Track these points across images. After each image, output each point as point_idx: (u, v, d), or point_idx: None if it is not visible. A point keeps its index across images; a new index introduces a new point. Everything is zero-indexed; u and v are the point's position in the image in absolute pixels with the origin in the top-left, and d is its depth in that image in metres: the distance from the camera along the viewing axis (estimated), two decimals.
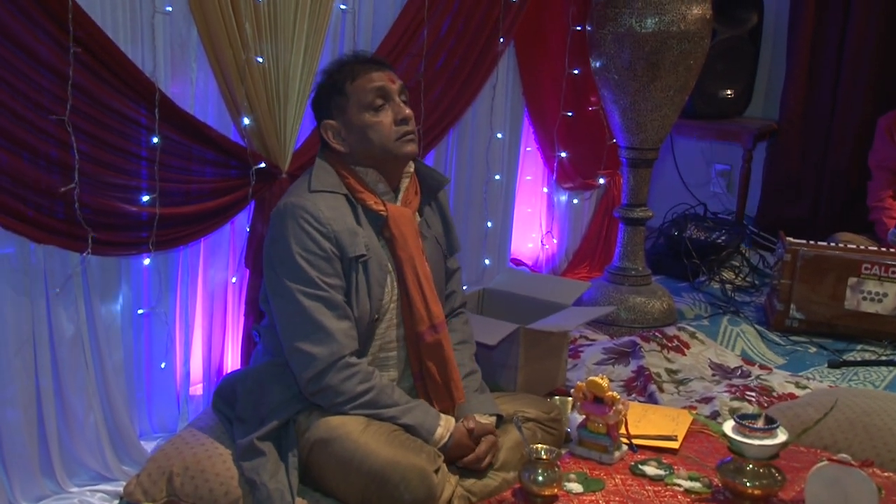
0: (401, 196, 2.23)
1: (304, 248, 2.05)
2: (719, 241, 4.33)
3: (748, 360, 3.39)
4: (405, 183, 2.24)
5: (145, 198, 2.38)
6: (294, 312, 2.05)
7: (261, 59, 2.54)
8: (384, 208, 2.16)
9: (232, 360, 2.84)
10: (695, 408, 2.87)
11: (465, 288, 3.52)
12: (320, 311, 2.04)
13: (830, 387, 3.10)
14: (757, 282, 4.21)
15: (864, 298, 3.52)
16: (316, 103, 2.23)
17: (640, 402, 2.93)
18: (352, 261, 2.09)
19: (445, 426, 2.11)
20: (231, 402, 2.23)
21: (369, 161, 2.17)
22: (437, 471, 1.99)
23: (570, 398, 2.58)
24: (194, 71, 2.54)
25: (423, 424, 2.08)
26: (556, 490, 2.10)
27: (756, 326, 3.67)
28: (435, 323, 2.19)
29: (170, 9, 2.43)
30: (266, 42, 2.54)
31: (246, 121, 2.57)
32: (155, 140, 2.36)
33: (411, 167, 2.26)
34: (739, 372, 3.27)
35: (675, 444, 2.43)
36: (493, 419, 2.23)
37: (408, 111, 2.16)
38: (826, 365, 3.36)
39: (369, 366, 2.12)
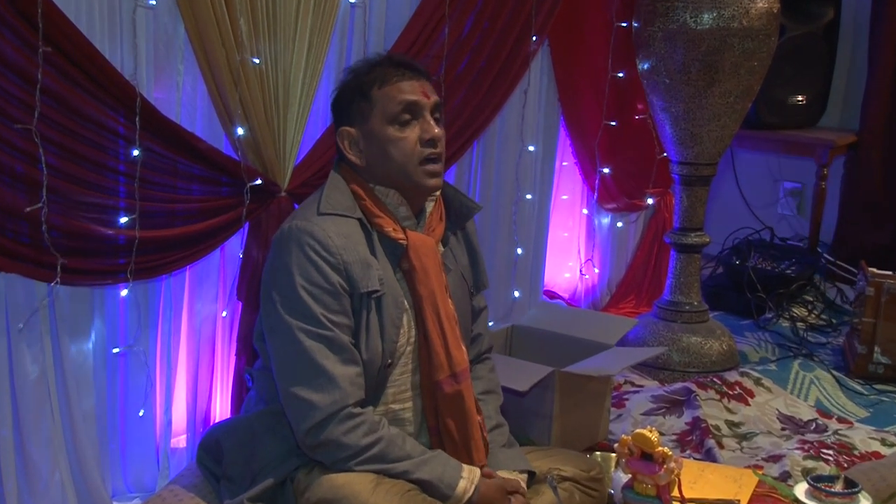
0: (424, 222, 2.23)
1: (308, 280, 2.05)
2: (789, 271, 4.31)
3: (824, 412, 3.36)
4: (430, 207, 2.25)
5: (123, 219, 2.40)
6: (293, 353, 2.05)
7: (257, 61, 2.56)
8: (404, 236, 2.17)
9: (221, 408, 2.84)
10: (761, 467, 2.85)
11: (490, 325, 3.53)
12: (323, 353, 2.04)
13: None
14: (834, 320, 4.19)
15: None
16: (336, 105, 2.24)
17: (695, 459, 2.91)
18: (363, 297, 2.10)
19: (469, 478, 2.10)
20: (218, 457, 2.23)
21: (388, 180, 2.18)
22: None
23: (613, 454, 2.56)
24: (181, 73, 2.57)
25: (442, 478, 2.07)
26: None
27: (833, 372, 3.64)
28: (456, 371, 2.18)
29: (153, 2, 2.46)
30: (263, 41, 2.56)
31: (240, 131, 2.58)
32: (135, 153, 2.38)
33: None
34: (814, 426, 3.24)
35: None
36: (524, 476, 2.22)
37: (437, 131, 2.17)
38: None
39: (378, 416, 2.11)
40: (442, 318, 2.18)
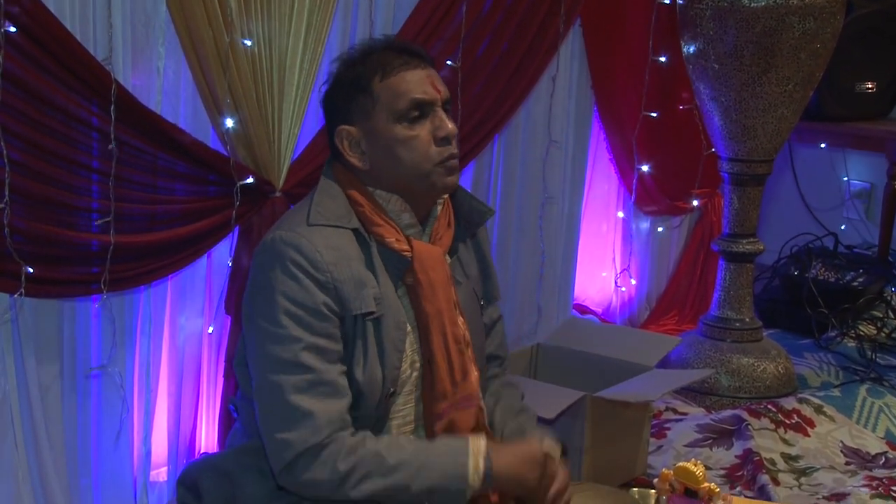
0: (430, 230, 2.22)
1: (291, 300, 2.03)
2: (855, 283, 4.29)
3: (895, 445, 3.35)
4: (437, 212, 2.23)
5: (97, 222, 2.41)
6: (267, 387, 2.03)
7: (249, 42, 2.57)
8: (408, 247, 2.15)
9: (207, 436, 2.85)
10: None
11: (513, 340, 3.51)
12: (299, 388, 2.01)
13: None
14: None
15: None
16: (329, 101, 2.22)
17: (746, 497, 2.90)
18: (356, 319, 2.08)
19: (475, 452, 2.04)
20: (199, 497, 2.22)
21: (393, 184, 2.16)
22: None
23: (652, 491, 2.55)
24: (162, 57, 2.57)
25: (447, 476, 2.01)
26: None
27: None
28: (457, 398, 2.17)
29: None
30: (256, 20, 2.57)
31: (229, 122, 2.59)
32: (110, 147, 2.38)
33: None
34: (883, 460, 3.23)
35: None
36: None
37: (451, 126, 2.15)
38: None
39: (358, 435, 2.07)
40: (449, 341, 2.16)
